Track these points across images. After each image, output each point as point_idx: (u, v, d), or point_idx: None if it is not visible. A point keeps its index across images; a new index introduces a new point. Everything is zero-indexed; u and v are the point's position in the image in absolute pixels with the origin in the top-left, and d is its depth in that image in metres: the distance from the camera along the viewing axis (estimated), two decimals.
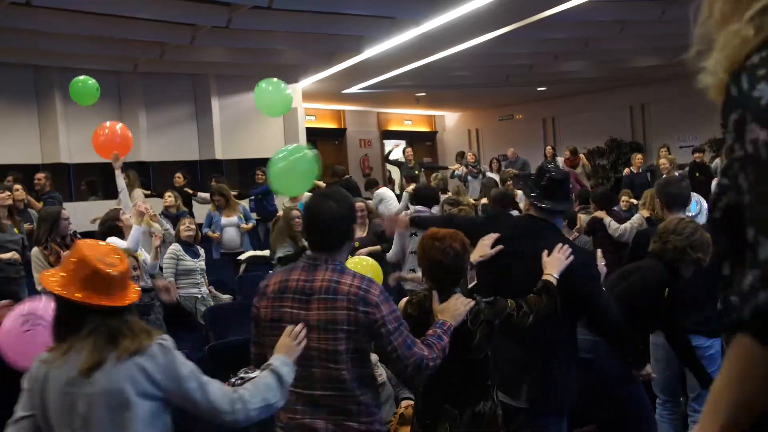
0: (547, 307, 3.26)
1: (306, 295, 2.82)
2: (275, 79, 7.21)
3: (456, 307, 3.11)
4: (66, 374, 2.32)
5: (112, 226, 6.32)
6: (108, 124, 7.27)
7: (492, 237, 3.54)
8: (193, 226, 7.09)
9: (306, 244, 3.22)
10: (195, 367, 2.45)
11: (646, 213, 7.27)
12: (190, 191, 11.33)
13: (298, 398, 2.82)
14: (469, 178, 13.77)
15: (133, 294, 2.46)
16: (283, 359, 2.63)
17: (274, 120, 14.77)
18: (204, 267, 7.00)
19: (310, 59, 13.53)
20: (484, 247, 3.53)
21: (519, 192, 11.48)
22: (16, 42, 10.74)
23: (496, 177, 13.73)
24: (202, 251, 7.13)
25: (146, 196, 9.96)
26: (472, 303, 3.14)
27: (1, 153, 11.71)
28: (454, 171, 14.18)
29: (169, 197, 9.47)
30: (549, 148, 14.43)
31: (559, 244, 3.45)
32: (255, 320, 2.96)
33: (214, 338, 6.32)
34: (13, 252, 6.58)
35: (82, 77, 8.51)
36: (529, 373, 3.49)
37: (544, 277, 3.34)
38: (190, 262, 6.83)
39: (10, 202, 7.04)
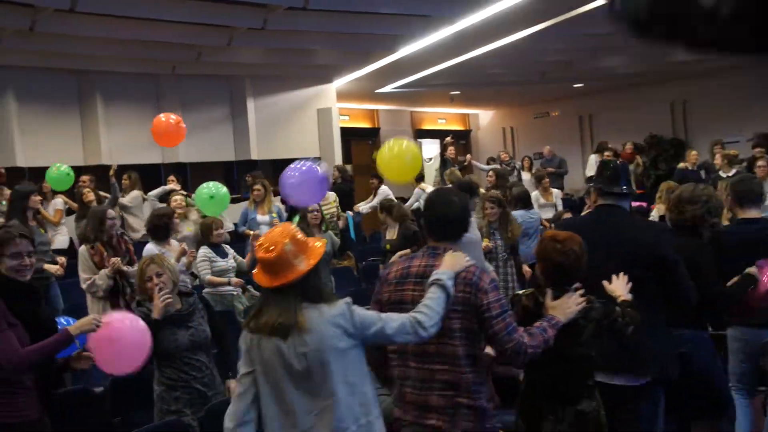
0: (638, 320, 3.41)
1: (426, 279, 3.12)
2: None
3: (568, 305, 3.32)
4: (272, 340, 2.90)
5: (159, 225, 6.47)
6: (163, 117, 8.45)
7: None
8: (223, 231, 7.22)
9: None
10: (374, 313, 3.02)
11: (663, 207, 7.25)
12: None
13: (413, 373, 3.20)
14: None
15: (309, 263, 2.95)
16: (447, 272, 3.04)
17: (309, 120, 14.95)
18: (235, 265, 7.11)
19: (345, 59, 13.64)
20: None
21: (555, 191, 11.54)
22: (60, 47, 11.04)
23: (528, 175, 13.71)
24: (230, 250, 7.23)
25: (184, 196, 10.13)
26: (584, 302, 3.35)
27: (46, 155, 11.98)
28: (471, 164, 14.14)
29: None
30: (606, 142, 14.34)
31: (614, 276, 3.57)
32: (378, 304, 3.35)
33: None
34: (58, 267, 6.68)
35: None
36: (629, 349, 3.64)
37: (621, 300, 3.45)
38: (221, 262, 6.98)
39: (39, 205, 7.20)
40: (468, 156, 14.43)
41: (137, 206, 10.34)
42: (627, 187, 3.99)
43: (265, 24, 10.58)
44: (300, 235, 3.03)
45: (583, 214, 6.81)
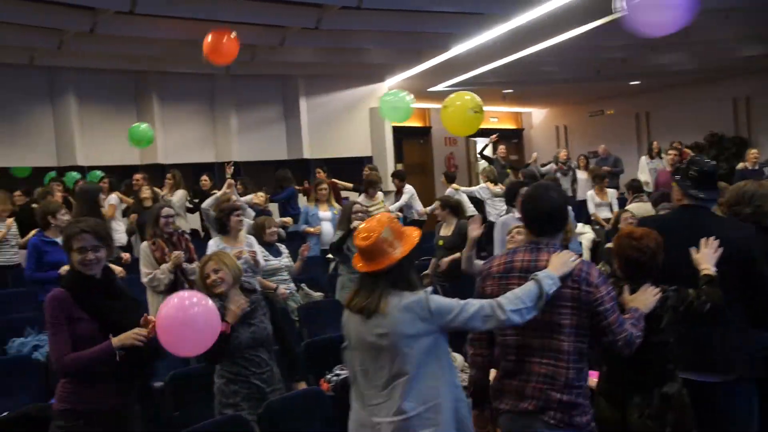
0: (718, 297, 3.52)
1: (531, 273, 3.18)
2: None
3: (647, 298, 3.47)
4: (359, 318, 3.17)
5: (219, 220, 6.57)
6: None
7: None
8: (276, 229, 7.25)
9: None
10: (453, 300, 3.11)
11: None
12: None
13: (514, 363, 3.27)
14: (559, 175, 13.62)
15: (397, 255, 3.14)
16: (548, 272, 3.12)
17: (360, 119, 15.00)
18: (288, 264, 7.12)
19: (397, 58, 13.66)
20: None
21: (611, 190, 11.38)
22: (119, 49, 11.32)
23: (584, 175, 13.55)
24: (283, 248, 7.23)
25: (241, 194, 10.24)
26: (660, 293, 3.50)
27: (104, 155, 12.31)
28: (529, 165, 14.02)
29: (260, 197, 9.67)
30: (655, 143, 14.04)
31: (704, 239, 3.68)
32: (481, 297, 3.36)
33: (308, 335, 6.50)
34: (121, 269, 6.77)
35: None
36: (714, 346, 3.69)
37: (704, 273, 3.58)
38: (274, 261, 6.97)
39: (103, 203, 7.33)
40: (534, 154, 14.34)
41: (182, 206, 10.37)
42: (708, 192, 3.95)
43: (318, 23, 10.66)
44: (396, 225, 3.21)
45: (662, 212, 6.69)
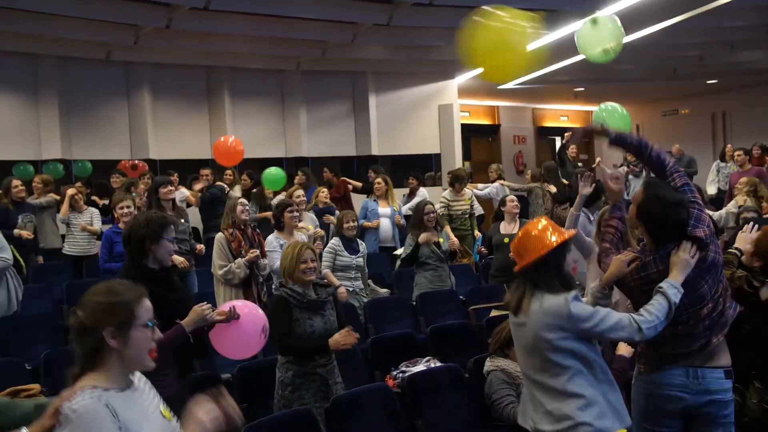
0: None
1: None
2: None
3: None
4: (512, 316, 3.30)
5: (275, 216, 6.71)
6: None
7: (629, 255, 3.43)
8: (355, 224, 7.24)
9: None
10: (595, 309, 3.11)
11: (741, 200, 7.47)
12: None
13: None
14: (630, 177, 13.29)
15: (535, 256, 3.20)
16: (671, 282, 3.17)
17: (429, 116, 14.95)
18: (361, 264, 7.09)
19: None
20: (621, 264, 3.39)
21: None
22: (193, 44, 11.53)
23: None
24: (362, 247, 7.21)
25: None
26: None
27: (176, 148, 12.55)
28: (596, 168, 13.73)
29: (323, 193, 9.68)
30: (728, 146, 13.61)
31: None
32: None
33: (374, 331, 6.50)
34: (183, 259, 6.80)
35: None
36: None
37: None
38: (347, 258, 6.95)
39: (173, 196, 7.45)
40: (597, 159, 14.04)
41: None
42: None
43: (390, 20, 10.66)
44: (542, 227, 3.25)
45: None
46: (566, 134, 13.09)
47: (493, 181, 11.17)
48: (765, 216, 7.51)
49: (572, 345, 3.10)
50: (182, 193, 9.91)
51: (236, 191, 10.40)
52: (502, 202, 7.73)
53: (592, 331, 3.09)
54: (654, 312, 3.10)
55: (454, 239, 7.83)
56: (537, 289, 3.15)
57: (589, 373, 3.11)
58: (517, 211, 7.60)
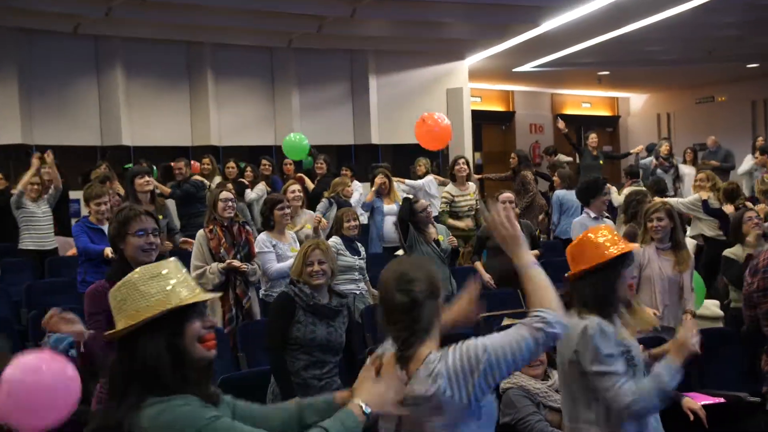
0: None
1: None
2: None
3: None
4: None
5: (263, 214, 6.66)
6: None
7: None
8: (357, 222, 7.18)
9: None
10: (612, 364, 3.04)
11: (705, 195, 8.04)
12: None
13: None
14: (659, 171, 13.20)
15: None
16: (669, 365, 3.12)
17: (436, 101, 14.85)
18: (363, 266, 7.06)
19: (480, 33, 13.52)
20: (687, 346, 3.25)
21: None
22: (171, 17, 11.44)
23: (691, 170, 13.11)
24: (362, 249, 7.17)
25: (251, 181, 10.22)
26: None
27: (153, 134, 12.43)
28: (637, 155, 13.65)
29: (347, 186, 9.59)
30: (760, 138, 13.53)
31: None
32: (747, 295, 3.77)
33: (372, 340, 6.40)
34: (169, 244, 6.80)
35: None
36: None
37: None
38: (349, 258, 6.91)
39: (150, 187, 7.36)
40: (639, 147, 13.95)
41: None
42: None
43: None
44: (596, 239, 3.18)
45: None
46: (560, 122, 12.85)
47: (421, 177, 11.00)
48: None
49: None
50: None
51: (257, 191, 10.27)
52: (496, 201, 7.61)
53: (595, 381, 3.07)
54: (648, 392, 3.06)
55: (453, 238, 7.69)
56: (579, 305, 3.14)
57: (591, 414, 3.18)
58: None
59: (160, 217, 7.24)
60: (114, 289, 2.26)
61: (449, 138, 9.77)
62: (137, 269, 2.28)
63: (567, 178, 10.71)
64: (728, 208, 8.05)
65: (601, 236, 3.17)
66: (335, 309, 4.55)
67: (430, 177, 10.81)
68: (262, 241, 6.50)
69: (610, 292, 3.11)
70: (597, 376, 3.02)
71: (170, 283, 2.23)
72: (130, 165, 10.89)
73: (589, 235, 3.20)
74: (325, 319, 4.49)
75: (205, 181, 10.03)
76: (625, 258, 3.12)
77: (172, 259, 2.39)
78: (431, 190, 10.33)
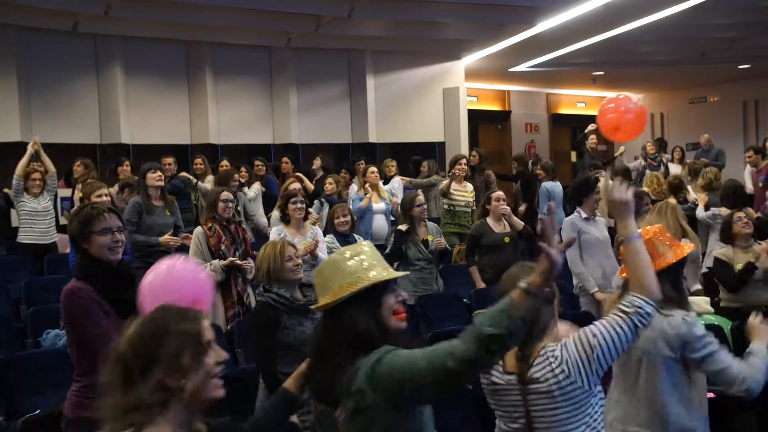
0: None
1: None
2: None
3: None
4: None
5: (280, 208, 6.77)
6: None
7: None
8: (348, 218, 7.15)
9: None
10: (710, 339, 3.22)
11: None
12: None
13: None
14: (647, 172, 13.19)
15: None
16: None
17: (433, 100, 14.87)
18: None
19: (476, 33, 13.49)
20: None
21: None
22: (170, 16, 11.38)
23: (677, 168, 13.12)
24: (360, 241, 7.14)
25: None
26: None
27: (152, 132, 12.38)
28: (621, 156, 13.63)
29: (330, 184, 9.57)
30: None
31: None
32: None
33: None
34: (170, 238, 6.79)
35: None
36: None
37: None
38: None
39: (161, 183, 7.33)
40: (621, 148, 13.90)
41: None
42: None
43: None
44: (663, 240, 3.33)
45: None
46: (590, 126, 12.93)
47: (390, 177, 11.02)
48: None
49: (669, 365, 3.26)
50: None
51: (208, 182, 10.18)
52: (487, 201, 7.56)
53: (701, 362, 3.23)
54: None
55: (441, 240, 7.61)
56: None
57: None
58: (504, 211, 7.41)
59: (168, 213, 7.26)
60: (318, 270, 2.57)
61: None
62: (337, 252, 2.59)
63: (550, 169, 10.98)
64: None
65: (663, 236, 3.36)
66: (314, 301, 4.49)
67: (397, 178, 10.92)
68: (274, 234, 6.53)
69: (682, 285, 3.33)
70: (708, 361, 3.20)
71: (367, 262, 2.51)
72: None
73: (657, 237, 3.34)
74: (308, 315, 4.39)
75: (192, 178, 10.04)
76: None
77: (366, 242, 2.76)
78: (396, 192, 10.36)
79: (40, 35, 11.49)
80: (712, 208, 8.16)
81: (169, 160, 9.70)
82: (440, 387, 2.30)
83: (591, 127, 12.65)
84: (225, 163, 10.70)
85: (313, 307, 2.67)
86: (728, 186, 8.22)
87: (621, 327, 2.60)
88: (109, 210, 3.59)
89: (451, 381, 2.28)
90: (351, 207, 9.30)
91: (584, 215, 6.61)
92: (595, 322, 2.67)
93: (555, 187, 10.76)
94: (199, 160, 10.51)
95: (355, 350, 2.42)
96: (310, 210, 7.84)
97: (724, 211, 7.45)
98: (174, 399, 1.98)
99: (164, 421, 1.97)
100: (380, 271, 2.50)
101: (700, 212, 8.29)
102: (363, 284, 2.45)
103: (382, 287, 2.49)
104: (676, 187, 9.42)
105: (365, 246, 2.60)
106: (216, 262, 6.05)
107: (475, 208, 9.28)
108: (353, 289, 2.44)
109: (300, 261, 4.55)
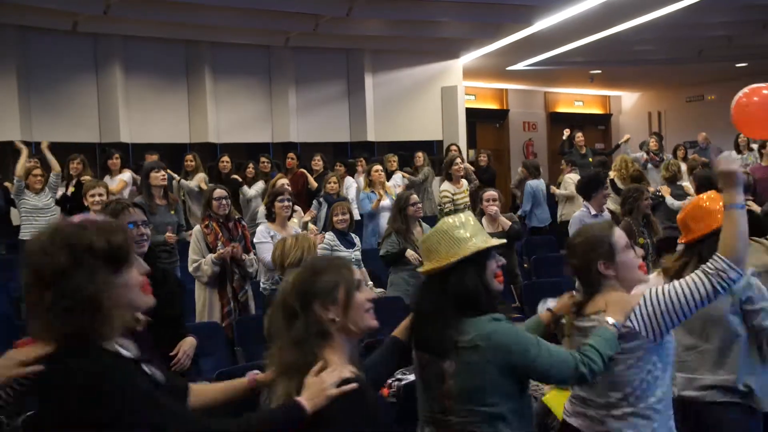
0: None
1: None
2: None
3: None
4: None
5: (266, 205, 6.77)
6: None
7: None
8: (347, 216, 7.15)
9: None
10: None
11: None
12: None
13: None
14: (650, 166, 13.20)
15: None
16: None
17: (431, 99, 14.88)
18: (359, 258, 7.01)
19: (474, 32, 13.49)
20: None
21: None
22: (170, 15, 11.38)
23: (682, 165, 13.11)
24: (357, 240, 7.14)
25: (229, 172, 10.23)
26: None
27: (151, 131, 12.39)
28: (626, 144, 13.62)
29: (333, 183, 9.56)
30: (742, 135, 13.43)
31: None
32: None
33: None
34: (172, 235, 6.85)
35: None
36: None
37: None
38: (344, 253, 6.85)
39: (164, 183, 7.37)
40: (626, 135, 13.91)
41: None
42: None
43: None
44: (715, 199, 3.45)
45: None
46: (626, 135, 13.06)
47: (392, 172, 11.09)
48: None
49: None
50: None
51: (196, 181, 10.18)
52: (480, 199, 7.56)
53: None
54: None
55: None
56: (702, 263, 3.11)
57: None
58: (492, 212, 7.40)
59: (172, 212, 7.29)
60: (426, 237, 2.84)
61: None
62: (443, 222, 2.84)
63: (533, 168, 11.23)
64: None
65: (712, 200, 3.49)
66: None
67: (399, 174, 11.10)
68: (261, 231, 6.53)
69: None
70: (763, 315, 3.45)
71: (471, 230, 2.80)
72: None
73: (704, 203, 3.54)
74: None
75: (175, 176, 10.09)
76: None
77: (469, 212, 3.06)
78: (350, 194, 10.39)
79: (40, 35, 11.49)
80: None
81: (155, 157, 9.85)
82: (554, 379, 2.92)
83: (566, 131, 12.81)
84: (225, 159, 10.72)
85: (420, 270, 2.88)
86: (701, 176, 8.32)
87: (699, 287, 2.85)
88: (134, 204, 3.74)
89: (568, 381, 2.91)
90: (356, 205, 9.37)
91: (593, 211, 6.60)
92: (676, 281, 2.93)
93: (539, 185, 10.95)
94: (189, 157, 10.46)
95: (462, 309, 2.72)
96: (297, 209, 7.86)
97: None
98: (333, 330, 2.31)
99: (329, 350, 2.30)
100: (484, 239, 2.81)
101: (671, 201, 8.83)
102: (472, 250, 2.74)
103: (486, 253, 2.79)
104: (637, 178, 9.61)
105: (470, 217, 2.88)
106: (209, 256, 6.10)
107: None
108: (465, 253, 2.73)
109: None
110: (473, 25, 13.17)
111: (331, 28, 12.48)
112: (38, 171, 8.63)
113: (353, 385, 2.23)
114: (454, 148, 11.66)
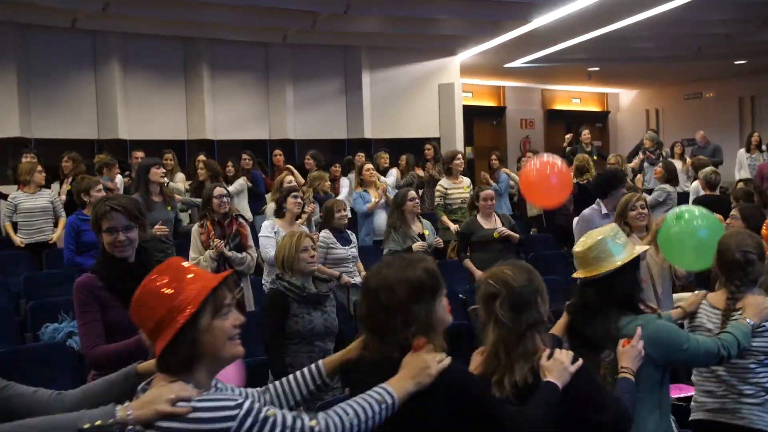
0: None
1: None
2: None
3: None
4: None
5: (276, 202, 6.87)
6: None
7: None
8: (347, 212, 7.21)
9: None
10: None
11: None
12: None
13: None
14: (646, 165, 13.23)
15: None
16: None
17: (429, 97, 14.90)
18: (356, 254, 7.06)
19: (471, 29, 13.52)
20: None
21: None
22: (168, 13, 11.42)
23: (679, 164, 13.14)
24: (353, 237, 7.18)
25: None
26: None
27: (149, 128, 12.42)
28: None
29: (326, 181, 9.58)
30: (756, 135, 13.42)
31: None
32: None
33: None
34: (164, 228, 6.87)
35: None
36: None
37: None
38: (341, 250, 6.89)
39: (164, 180, 7.41)
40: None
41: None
42: None
43: None
44: None
45: None
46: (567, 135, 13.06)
47: (384, 170, 11.14)
48: None
49: None
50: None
51: (176, 182, 10.09)
52: (476, 198, 7.61)
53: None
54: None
55: (439, 239, 7.68)
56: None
57: None
58: (491, 210, 7.47)
59: (169, 208, 7.32)
60: (588, 247, 3.20)
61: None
62: (598, 233, 3.26)
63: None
64: None
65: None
66: (325, 294, 4.66)
67: (394, 170, 11.17)
68: (266, 227, 6.60)
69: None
70: None
71: (623, 240, 3.25)
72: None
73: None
74: (318, 306, 4.58)
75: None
76: None
77: (614, 224, 3.59)
78: (343, 193, 10.28)
79: (39, 32, 11.55)
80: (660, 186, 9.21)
81: (139, 153, 9.96)
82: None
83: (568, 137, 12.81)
84: (201, 157, 10.58)
85: (584, 275, 3.22)
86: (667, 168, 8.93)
87: None
88: (114, 209, 3.55)
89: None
90: (352, 205, 9.40)
91: (605, 210, 6.24)
92: None
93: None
94: (168, 156, 10.31)
95: (621, 308, 3.16)
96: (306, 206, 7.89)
97: None
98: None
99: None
100: (633, 247, 3.29)
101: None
102: (632, 256, 3.19)
103: (637, 259, 3.23)
104: (582, 170, 9.85)
105: (618, 229, 3.32)
106: (208, 253, 6.21)
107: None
108: (623, 261, 3.15)
109: (315, 253, 4.69)
110: (470, 22, 13.20)
111: (328, 25, 12.51)
112: (40, 168, 8.61)
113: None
114: (428, 146, 11.48)
